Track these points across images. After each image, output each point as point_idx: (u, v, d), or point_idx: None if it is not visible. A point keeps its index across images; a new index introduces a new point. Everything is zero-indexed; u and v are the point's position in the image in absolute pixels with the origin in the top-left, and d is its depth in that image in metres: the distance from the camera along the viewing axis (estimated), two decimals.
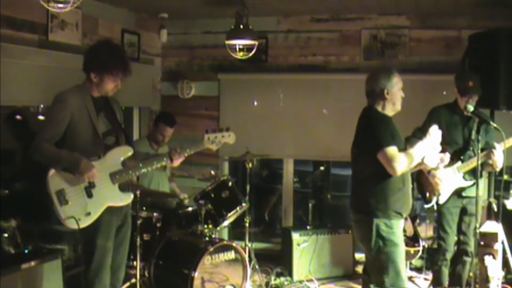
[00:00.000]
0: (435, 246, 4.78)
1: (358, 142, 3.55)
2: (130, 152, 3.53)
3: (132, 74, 3.51)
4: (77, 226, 3.29)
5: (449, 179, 4.26)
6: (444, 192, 4.27)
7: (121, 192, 3.48)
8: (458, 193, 4.30)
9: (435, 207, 4.35)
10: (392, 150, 3.32)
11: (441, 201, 4.29)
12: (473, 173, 4.13)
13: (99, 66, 3.38)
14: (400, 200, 3.47)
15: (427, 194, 4.36)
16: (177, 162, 3.62)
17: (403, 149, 3.44)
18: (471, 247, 4.28)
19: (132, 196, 3.56)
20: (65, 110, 3.32)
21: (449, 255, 4.38)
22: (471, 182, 4.23)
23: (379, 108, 3.53)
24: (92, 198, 3.37)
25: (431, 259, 4.70)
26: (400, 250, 3.47)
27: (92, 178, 3.33)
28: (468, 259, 4.34)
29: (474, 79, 4.16)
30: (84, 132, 3.38)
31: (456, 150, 4.25)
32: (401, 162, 3.32)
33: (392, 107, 3.54)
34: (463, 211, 4.35)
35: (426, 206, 4.43)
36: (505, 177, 4.78)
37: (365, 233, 3.48)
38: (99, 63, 3.38)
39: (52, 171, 3.32)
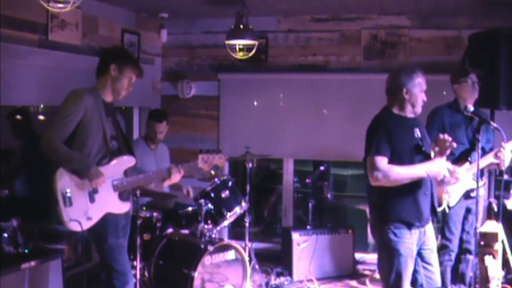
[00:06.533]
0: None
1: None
2: (133, 163, 3.59)
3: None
4: (80, 229, 3.31)
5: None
6: (455, 194, 4.23)
7: (120, 201, 3.53)
8: (466, 194, 4.29)
9: (447, 210, 4.25)
10: (373, 160, 3.21)
11: (452, 203, 4.23)
12: (481, 173, 4.13)
13: (120, 56, 3.53)
14: (407, 208, 3.27)
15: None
16: (174, 177, 3.80)
17: (409, 151, 3.29)
18: (473, 246, 4.27)
19: (129, 206, 3.62)
20: (80, 106, 3.34)
21: (453, 255, 4.39)
22: (480, 183, 4.22)
23: (395, 110, 3.38)
24: (94, 203, 3.39)
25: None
26: (406, 262, 3.28)
27: (99, 185, 3.37)
28: (471, 257, 4.34)
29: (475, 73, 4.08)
30: (94, 132, 3.39)
31: (463, 151, 4.21)
32: (378, 175, 3.18)
33: (411, 109, 3.37)
34: (467, 211, 4.36)
35: (438, 209, 4.38)
36: (505, 177, 4.77)
37: (377, 238, 3.42)
38: (119, 55, 3.57)
39: (60, 170, 3.32)
